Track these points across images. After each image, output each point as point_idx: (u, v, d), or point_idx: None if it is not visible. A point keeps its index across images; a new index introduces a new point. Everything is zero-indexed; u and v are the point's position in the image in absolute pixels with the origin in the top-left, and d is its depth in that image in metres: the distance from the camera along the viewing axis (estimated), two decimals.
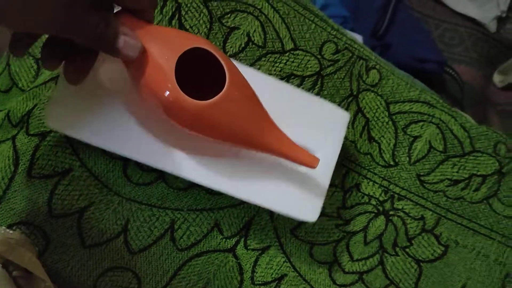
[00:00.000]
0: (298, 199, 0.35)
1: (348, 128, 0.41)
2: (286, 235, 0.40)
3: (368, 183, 0.42)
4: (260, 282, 0.39)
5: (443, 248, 0.43)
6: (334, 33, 0.42)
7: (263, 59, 0.40)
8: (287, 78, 0.40)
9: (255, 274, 0.39)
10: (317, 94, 0.41)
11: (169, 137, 0.33)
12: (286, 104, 0.35)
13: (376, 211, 0.42)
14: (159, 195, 0.37)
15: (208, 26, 0.39)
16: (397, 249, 0.42)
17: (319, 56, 0.41)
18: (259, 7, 0.40)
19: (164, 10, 0.37)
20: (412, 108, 0.43)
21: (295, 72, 0.40)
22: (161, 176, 0.37)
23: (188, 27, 0.38)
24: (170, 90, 0.26)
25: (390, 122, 0.43)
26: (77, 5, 0.22)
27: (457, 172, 0.44)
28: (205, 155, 0.33)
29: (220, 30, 0.39)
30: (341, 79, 0.42)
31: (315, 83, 0.41)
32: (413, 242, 0.42)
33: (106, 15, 0.24)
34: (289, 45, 0.41)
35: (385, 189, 0.42)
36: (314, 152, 0.34)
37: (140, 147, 0.32)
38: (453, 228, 0.43)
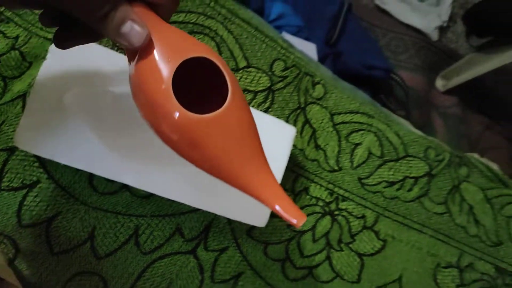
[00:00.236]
0: (249, 206, 0.38)
1: (297, 137, 0.45)
2: (243, 236, 0.43)
3: (315, 186, 0.46)
4: (219, 280, 0.42)
5: (382, 243, 0.48)
6: (283, 51, 0.46)
7: None
8: None
9: (214, 273, 0.42)
10: (269, 107, 0.45)
11: (130, 153, 0.35)
12: None
13: (323, 211, 0.46)
14: (123, 203, 0.39)
15: None
16: (342, 245, 0.46)
17: (269, 73, 0.45)
18: (214, 29, 0.43)
19: None
20: (353, 118, 0.48)
21: (248, 87, 0.44)
22: (126, 185, 0.39)
23: None
24: (163, 93, 0.23)
25: (334, 132, 0.48)
26: None
27: (392, 174, 0.49)
28: (162, 167, 0.35)
29: None
30: (290, 93, 0.46)
31: (267, 97, 0.45)
32: (355, 238, 0.47)
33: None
34: (242, 63, 0.44)
35: (331, 191, 0.47)
36: None
37: (102, 163, 0.34)
38: (390, 225, 0.48)
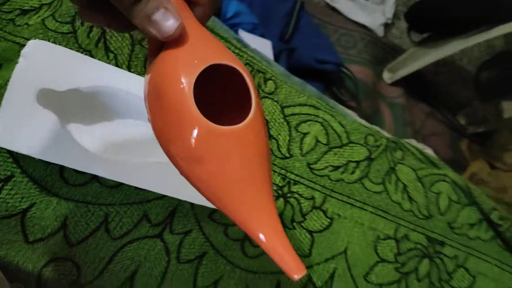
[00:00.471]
0: None
1: None
2: (205, 220, 0.46)
3: None
4: (184, 261, 0.45)
5: (329, 220, 0.53)
6: (237, 51, 0.51)
7: None
8: None
9: (180, 254, 0.45)
10: None
11: (99, 146, 0.38)
12: None
13: (276, 194, 0.51)
14: (93, 193, 0.42)
15: (130, 48, 0.45)
16: (294, 223, 0.51)
17: None
18: None
19: (91, 35, 0.43)
20: (301, 110, 0.54)
21: None
22: (95, 176, 0.42)
23: (112, 49, 0.44)
24: (182, 94, 0.21)
25: (285, 123, 0.53)
26: None
27: (337, 159, 0.55)
28: (129, 158, 0.39)
29: (141, 51, 0.46)
30: None
31: None
32: (306, 217, 0.52)
33: None
34: None
35: (283, 176, 0.52)
36: None
37: (72, 156, 0.37)
38: (336, 204, 0.54)
